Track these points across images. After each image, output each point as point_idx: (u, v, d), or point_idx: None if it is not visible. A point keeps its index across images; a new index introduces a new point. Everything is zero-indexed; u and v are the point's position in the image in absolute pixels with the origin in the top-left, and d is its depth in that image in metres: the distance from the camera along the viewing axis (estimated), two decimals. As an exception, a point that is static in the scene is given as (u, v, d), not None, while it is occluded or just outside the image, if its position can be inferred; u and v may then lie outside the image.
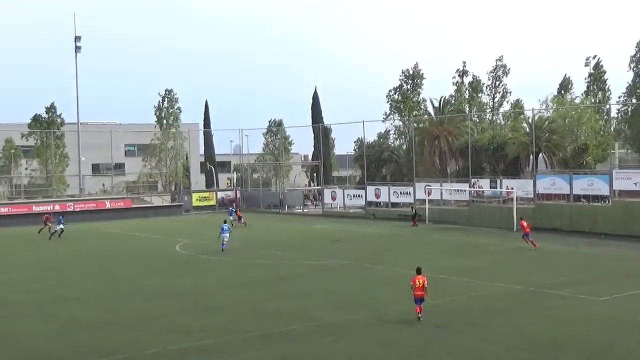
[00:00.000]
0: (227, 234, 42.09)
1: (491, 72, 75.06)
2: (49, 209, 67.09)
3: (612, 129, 63.90)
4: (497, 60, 74.90)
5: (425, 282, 23.28)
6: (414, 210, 57.93)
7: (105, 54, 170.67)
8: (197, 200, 78.52)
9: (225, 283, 31.39)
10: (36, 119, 77.60)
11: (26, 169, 79.42)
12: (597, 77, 67.38)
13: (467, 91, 75.50)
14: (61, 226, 51.51)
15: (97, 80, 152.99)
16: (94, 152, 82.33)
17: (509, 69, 74.90)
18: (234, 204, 69.03)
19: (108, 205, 70.68)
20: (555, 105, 64.76)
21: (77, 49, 74.86)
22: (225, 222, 44.32)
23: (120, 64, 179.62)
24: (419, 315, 23.00)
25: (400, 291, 28.28)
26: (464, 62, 76.73)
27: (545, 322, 22.72)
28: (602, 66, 67.28)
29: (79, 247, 46.70)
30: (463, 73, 75.69)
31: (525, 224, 41.41)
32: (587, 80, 68.21)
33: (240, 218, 58.60)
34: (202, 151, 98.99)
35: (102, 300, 27.84)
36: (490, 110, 74.91)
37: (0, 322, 24.10)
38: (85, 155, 78.60)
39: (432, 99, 74.84)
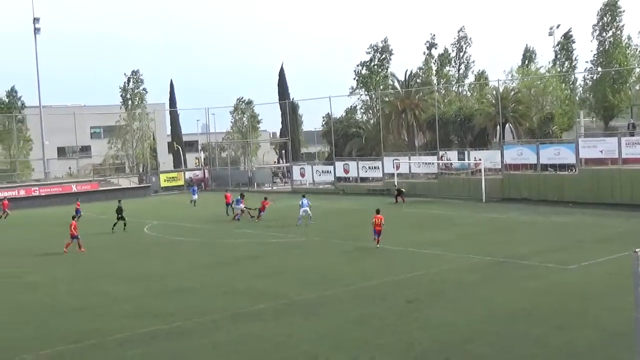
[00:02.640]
0: (307, 208, 41.95)
1: (454, 43, 74.94)
2: (14, 194, 66.18)
3: (577, 97, 64.28)
4: (459, 31, 74.76)
5: (383, 220, 32.25)
6: (399, 189, 54.47)
7: (67, 35, 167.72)
8: (165, 180, 77.81)
9: (194, 264, 31.08)
10: (-4, 103, 76.29)
11: (-11, 154, 78.06)
12: (564, 46, 67.59)
13: (435, 64, 75.31)
14: (195, 197, 58.18)
15: (60, 63, 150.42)
16: (59, 135, 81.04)
17: (471, 39, 74.88)
18: (201, 183, 67.75)
19: (74, 188, 69.73)
20: (520, 75, 64.94)
21: (37, 30, 73.38)
22: (304, 196, 43.89)
23: (83, 45, 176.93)
24: (377, 244, 32.06)
25: (371, 266, 28.33)
26: (432, 34, 76.28)
27: (516, 292, 22.82)
28: (571, 35, 67.49)
29: (44, 232, 46.02)
30: (431, 45, 75.45)
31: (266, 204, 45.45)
32: (554, 49, 68.47)
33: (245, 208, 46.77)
34: (169, 131, 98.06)
35: (69, 285, 27.38)
36: (455, 82, 74.91)
37: (-35, 312, 23.66)
38: (50, 138, 77.33)
39: (395, 75, 75.23)
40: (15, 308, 23.78)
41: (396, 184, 56.88)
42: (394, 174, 58.97)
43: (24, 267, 32.05)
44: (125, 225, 43.01)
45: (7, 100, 76.11)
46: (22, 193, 66.92)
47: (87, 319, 21.67)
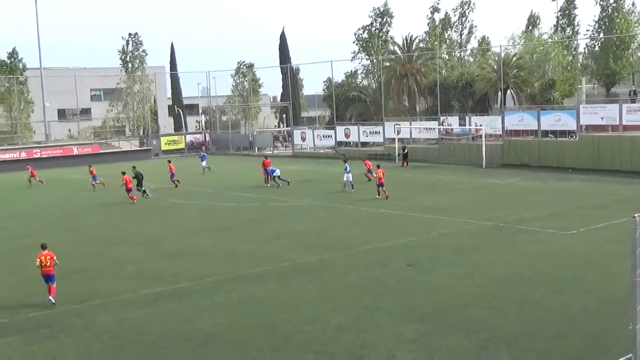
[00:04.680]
0: (350, 174, 40.36)
1: (456, 8, 74.35)
2: (15, 156, 66.34)
3: (579, 64, 63.98)
4: (462, -5, 74.11)
5: (384, 173, 36.75)
6: (405, 150, 55.77)
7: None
8: (165, 143, 77.83)
9: (196, 227, 31.24)
10: (-2, 64, 76.03)
11: (-9, 115, 77.97)
12: (566, 12, 67.04)
13: (437, 28, 74.68)
14: (204, 163, 55.01)
15: (60, 25, 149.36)
16: (60, 97, 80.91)
17: (474, 3, 74.28)
18: (203, 147, 67.87)
19: (75, 151, 69.89)
20: (521, 41, 64.54)
21: (37, -8, 72.85)
22: (346, 161, 42.32)
23: (83, 8, 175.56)
24: (385, 197, 36.07)
25: (372, 230, 28.49)
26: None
27: (515, 257, 23.01)
28: (574, 0, 66.86)
29: (46, 195, 46.19)
30: (434, 10, 74.82)
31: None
32: (556, 15, 67.89)
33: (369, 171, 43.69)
34: (169, 94, 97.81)
35: (70, 248, 27.45)
36: (457, 47, 74.42)
37: (-32, 272, 23.84)
38: (51, 100, 77.17)
39: (396, 41, 74.67)
40: (16, 270, 23.94)
41: (401, 143, 57.13)
42: (394, 139, 58.96)
43: (23, 231, 32.16)
44: (143, 193, 41.11)
45: (8, 62, 75.82)
46: (23, 155, 67.01)
47: (89, 281, 21.88)
